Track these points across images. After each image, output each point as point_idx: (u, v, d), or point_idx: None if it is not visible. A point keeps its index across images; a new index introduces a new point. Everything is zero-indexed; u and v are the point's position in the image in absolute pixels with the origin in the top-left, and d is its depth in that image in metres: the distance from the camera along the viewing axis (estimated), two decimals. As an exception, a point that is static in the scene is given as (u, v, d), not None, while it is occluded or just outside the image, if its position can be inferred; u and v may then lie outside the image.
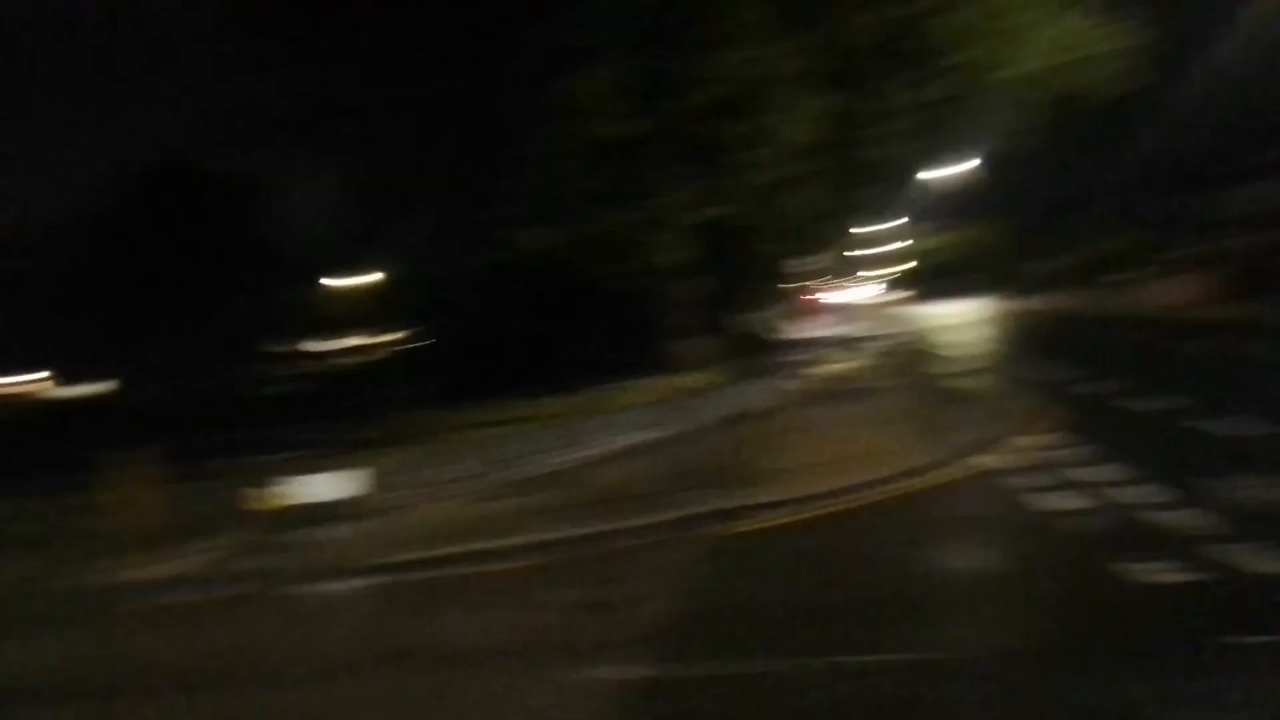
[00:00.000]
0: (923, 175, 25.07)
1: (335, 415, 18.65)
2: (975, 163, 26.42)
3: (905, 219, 49.06)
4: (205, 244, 31.77)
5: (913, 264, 62.39)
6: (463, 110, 16.05)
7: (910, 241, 60.69)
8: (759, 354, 20.89)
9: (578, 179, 15.78)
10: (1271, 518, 6.19)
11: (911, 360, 21.39)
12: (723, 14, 14.50)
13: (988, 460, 9.48)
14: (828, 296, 59.35)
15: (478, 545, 8.11)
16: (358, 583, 7.71)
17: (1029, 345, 23.02)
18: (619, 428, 12.30)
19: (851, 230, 32.85)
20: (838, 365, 21.80)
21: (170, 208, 31.31)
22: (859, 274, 64.75)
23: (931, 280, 63.43)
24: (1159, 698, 3.81)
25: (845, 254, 44.70)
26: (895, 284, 63.48)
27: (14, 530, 9.82)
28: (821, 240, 27.40)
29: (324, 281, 37.44)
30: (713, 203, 16.67)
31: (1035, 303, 48.32)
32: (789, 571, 6.66)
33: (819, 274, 52.14)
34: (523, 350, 25.22)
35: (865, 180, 20.12)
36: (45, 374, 38.80)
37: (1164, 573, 5.34)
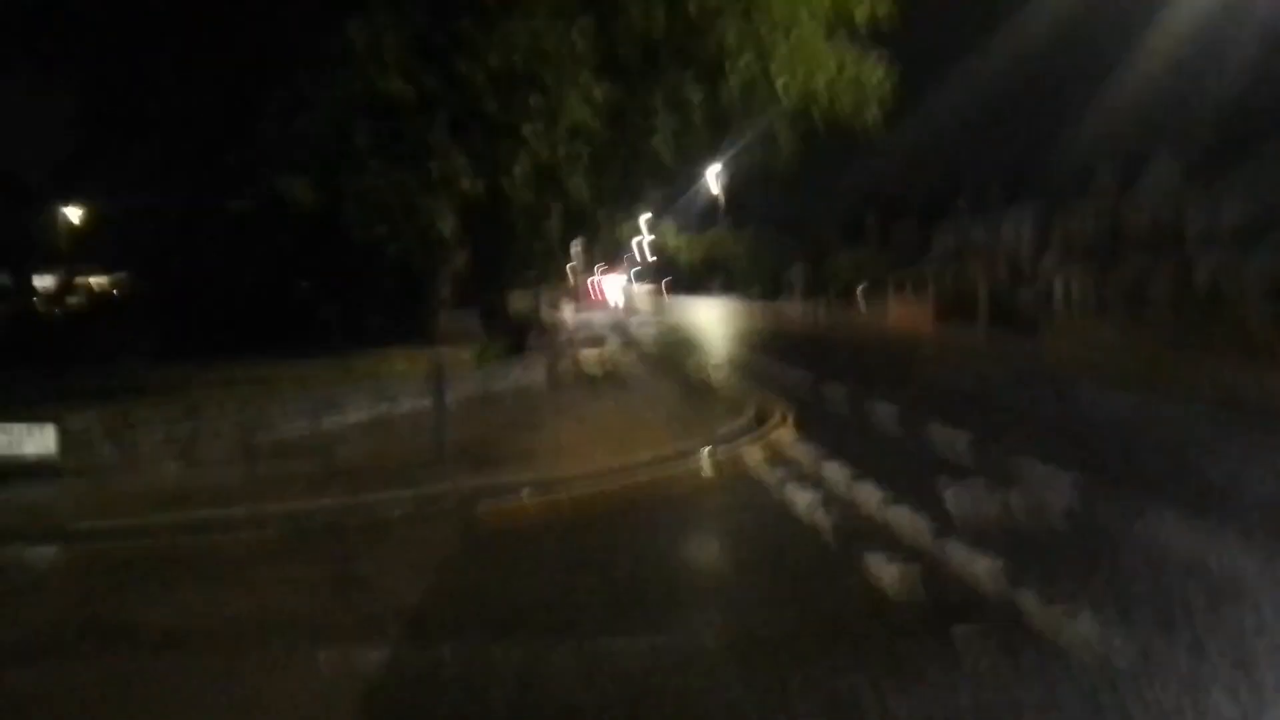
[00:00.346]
0: (690, 174, 26.17)
1: (48, 361, 16.56)
2: (724, 172, 27.99)
3: (666, 217, 50.93)
4: None
5: (669, 261, 64.92)
6: (226, 41, 14.74)
7: (672, 238, 63.21)
8: (525, 335, 20.82)
9: (349, 131, 14.95)
10: (979, 518, 6.96)
11: (672, 353, 22.18)
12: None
13: (736, 450, 9.99)
14: (594, 285, 60.55)
15: (203, 514, 7.47)
16: (62, 550, 6.85)
17: (777, 349, 24.58)
18: (371, 397, 11.80)
19: (621, 221, 33.57)
20: (601, 352, 22.20)
21: None
22: (623, 266, 66.57)
23: (689, 278, 66.11)
24: (869, 682, 4.12)
25: (613, 244, 45.77)
26: (655, 279, 65.64)
27: None
28: (594, 226, 27.78)
29: (63, 210, 33.54)
30: (490, 173, 16.38)
31: (786, 308, 51.64)
32: (538, 554, 6.64)
33: (587, 262, 53.03)
34: (271, 307, 23.60)
35: (640, 171, 20.58)
36: None
37: (884, 565, 5.81)
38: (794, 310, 50.19)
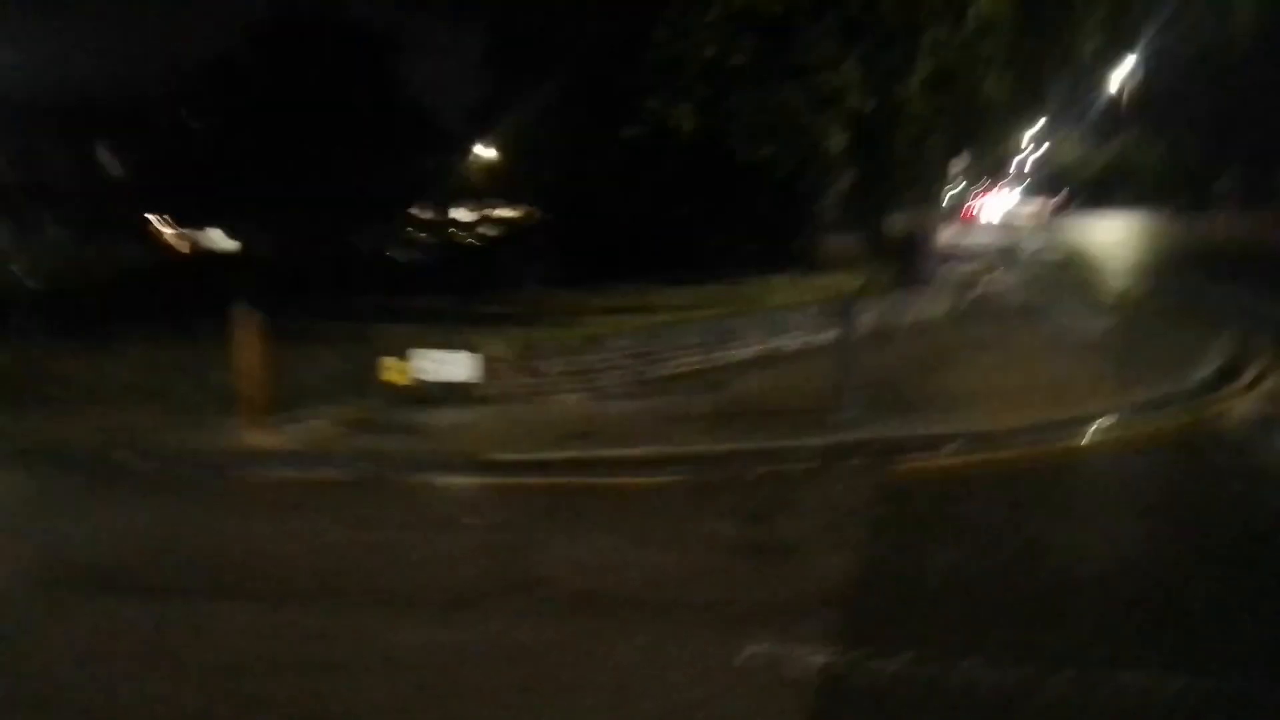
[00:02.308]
0: (1094, 74, 22.27)
1: (464, 288, 17.98)
2: (1138, 69, 23.17)
3: (1061, 126, 45.12)
4: (343, 98, 30.85)
5: (1064, 176, 58.09)
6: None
7: (1070, 151, 56.25)
8: (912, 261, 19.13)
9: (731, 50, 14.30)
10: None
11: (1082, 279, 19.24)
12: None
13: (1217, 404, 7.97)
14: (983, 204, 55.87)
15: (604, 452, 7.20)
16: (476, 480, 6.91)
17: (1215, 273, 20.36)
18: (760, 329, 11.08)
19: (1015, 133, 29.95)
20: (1001, 278, 19.84)
21: (307, 59, 30.49)
22: (1011, 183, 60.63)
23: (1089, 194, 58.73)
24: None
25: (999, 160, 41.34)
26: (1048, 196, 59.33)
27: (131, 379, 9.49)
28: (988, 140, 24.96)
29: (474, 149, 37.06)
30: (883, 84, 14.85)
31: (1216, 223, 43.67)
32: (982, 533, 5.42)
33: (975, 179, 48.85)
34: (654, 234, 23.97)
35: (1048, 70, 17.69)
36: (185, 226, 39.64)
37: None
38: (1226, 225, 42.34)
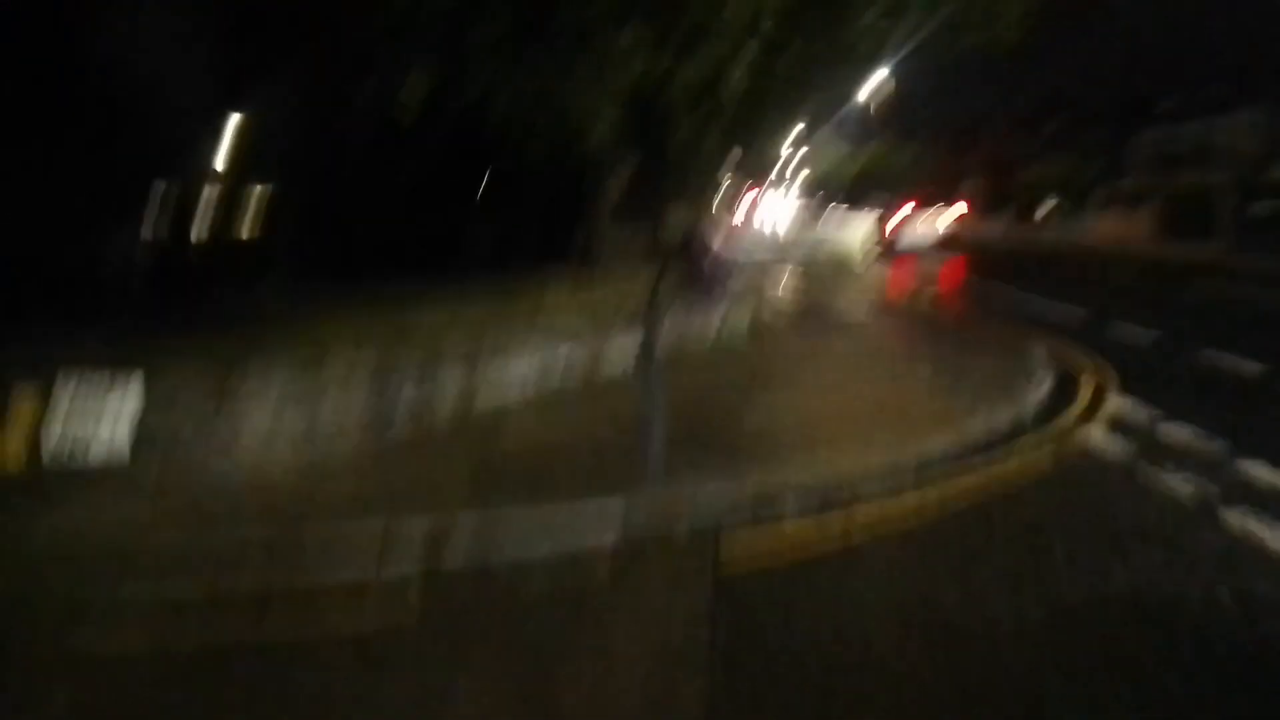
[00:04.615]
0: (851, 80, 22.09)
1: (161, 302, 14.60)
2: (886, 78, 23.76)
3: (818, 131, 46.43)
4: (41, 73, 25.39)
5: (823, 179, 60.54)
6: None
7: (828, 156, 58.44)
8: (698, 262, 17.72)
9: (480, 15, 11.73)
10: None
11: (874, 285, 18.59)
12: None
13: (1080, 432, 6.76)
14: (753, 203, 56.65)
15: (295, 577, 4.67)
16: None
17: (999, 276, 20.41)
18: (534, 340, 8.90)
19: (782, 130, 29.67)
20: (790, 285, 18.82)
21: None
22: (774, 184, 62.24)
23: (846, 195, 61.56)
24: None
25: (763, 161, 41.56)
26: (809, 198, 61.59)
27: None
28: (757, 135, 24.24)
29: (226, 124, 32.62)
30: (659, 58, 13.00)
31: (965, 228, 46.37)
32: (869, 652, 3.65)
33: (744, 177, 49.29)
34: (418, 224, 21.26)
35: (836, 60, 16.84)
36: None
37: None
38: (975, 227, 45.00)
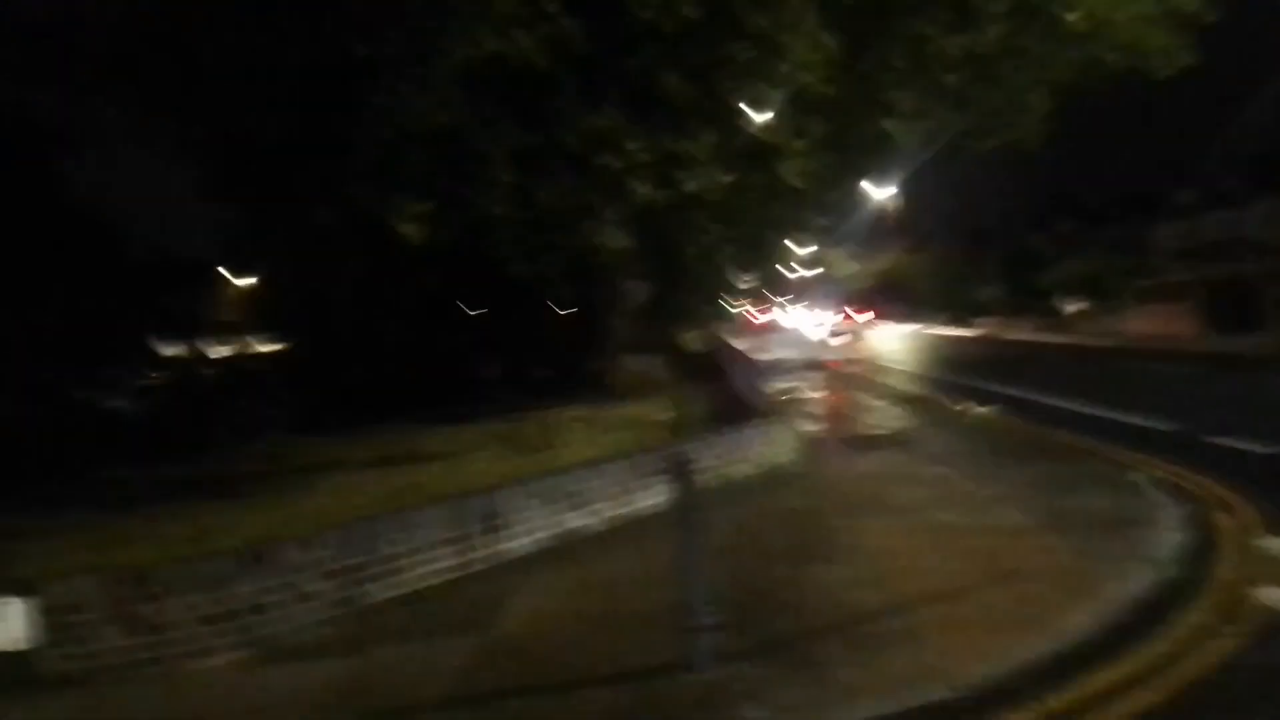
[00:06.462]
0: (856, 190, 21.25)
1: (172, 447, 13.62)
2: (893, 189, 23.21)
3: (830, 239, 45.89)
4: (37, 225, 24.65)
5: (837, 287, 59.95)
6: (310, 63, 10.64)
7: (842, 263, 57.95)
8: (727, 382, 16.33)
9: (466, 115, 10.60)
10: None
11: (921, 398, 17.00)
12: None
13: (1251, 592, 5.15)
14: (770, 315, 55.73)
15: None
16: None
17: (1041, 385, 18.64)
18: (558, 497, 7.39)
19: (803, 237, 28.77)
20: (828, 398, 17.23)
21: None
22: (789, 294, 61.54)
23: (866, 303, 60.84)
24: None
25: (776, 270, 40.72)
26: (824, 306, 60.94)
27: None
28: (774, 245, 23.24)
29: (232, 282, 33.60)
30: (670, 167, 11.89)
31: (993, 330, 44.96)
32: None
33: (759, 289, 48.34)
34: (425, 363, 20.27)
35: (869, 152, 15.87)
36: None
37: None
38: (1002, 330, 43.72)
